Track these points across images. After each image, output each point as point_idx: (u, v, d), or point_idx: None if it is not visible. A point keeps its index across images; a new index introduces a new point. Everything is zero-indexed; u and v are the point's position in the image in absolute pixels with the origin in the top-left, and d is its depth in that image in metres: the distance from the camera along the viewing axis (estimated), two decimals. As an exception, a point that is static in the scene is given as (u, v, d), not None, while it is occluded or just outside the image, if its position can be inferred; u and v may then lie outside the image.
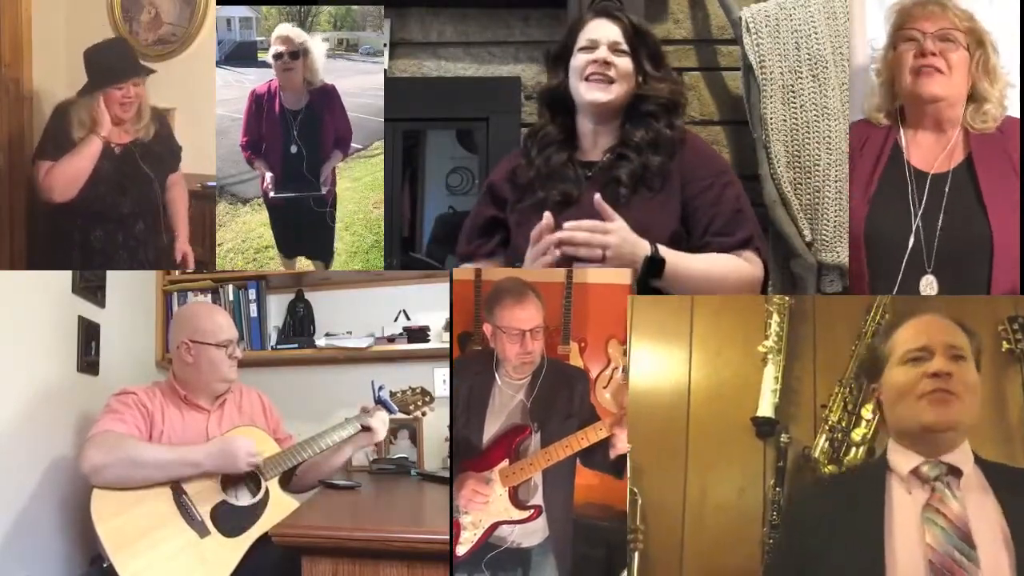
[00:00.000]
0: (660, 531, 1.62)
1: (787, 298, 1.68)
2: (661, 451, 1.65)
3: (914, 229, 1.80)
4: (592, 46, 1.84)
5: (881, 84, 1.95)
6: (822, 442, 1.61)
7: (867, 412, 1.59)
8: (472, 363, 1.83)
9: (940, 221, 1.79)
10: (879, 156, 1.90)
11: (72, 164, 2.16)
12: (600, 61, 1.82)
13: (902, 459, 1.32)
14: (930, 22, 1.83)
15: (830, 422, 1.60)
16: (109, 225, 2.22)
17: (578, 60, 1.86)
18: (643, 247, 1.70)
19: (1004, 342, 1.58)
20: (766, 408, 1.62)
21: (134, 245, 2.25)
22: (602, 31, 1.85)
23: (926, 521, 1.26)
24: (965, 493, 1.28)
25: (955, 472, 1.29)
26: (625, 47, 1.84)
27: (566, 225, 1.69)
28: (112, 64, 2.19)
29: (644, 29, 1.88)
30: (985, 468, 1.31)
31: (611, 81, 1.82)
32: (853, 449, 1.59)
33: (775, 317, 1.65)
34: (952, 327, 1.34)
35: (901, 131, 1.89)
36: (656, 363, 1.70)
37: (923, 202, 1.81)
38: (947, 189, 1.81)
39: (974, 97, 1.86)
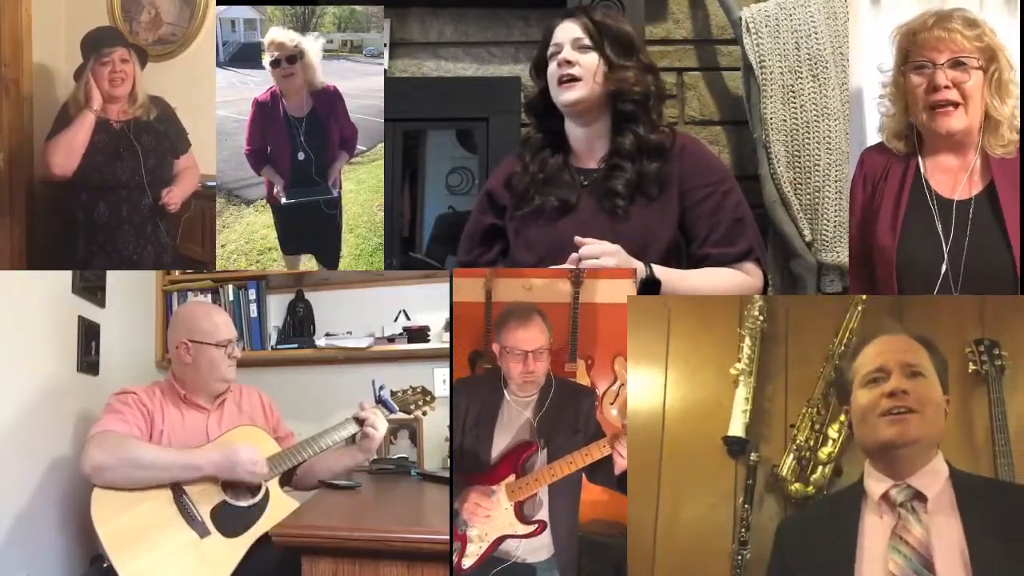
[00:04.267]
0: (634, 545, 1.65)
1: (760, 319, 1.68)
2: (636, 467, 1.67)
3: (945, 257, 1.76)
4: (557, 50, 1.86)
5: (895, 111, 1.86)
6: (790, 461, 1.63)
7: (833, 431, 1.61)
8: (482, 381, 1.86)
9: (965, 249, 1.75)
10: (903, 184, 1.83)
11: (66, 136, 2.23)
12: (563, 61, 1.83)
13: (875, 484, 1.33)
14: (939, 51, 1.75)
15: (797, 441, 1.63)
16: (111, 196, 2.25)
17: (551, 67, 1.87)
18: (639, 269, 1.72)
19: (971, 363, 1.59)
20: (736, 428, 1.65)
21: (139, 221, 2.27)
22: (563, 33, 1.87)
23: (891, 549, 1.27)
24: (932, 516, 1.28)
25: (921, 497, 1.30)
26: (588, 43, 1.84)
27: (585, 252, 1.71)
28: (99, 41, 2.26)
29: (607, 23, 1.87)
30: (957, 481, 1.31)
31: (576, 79, 1.82)
32: (820, 468, 1.61)
33: (747, 340, 1.67)
34: (911, 345, 1.35)
35: (920, 159, 1.82)
36: (633, 383, 1.72)
37: (951, 230, 1.76)
38: (971, 216, 1.76)
39: (988, 117, 1.78)
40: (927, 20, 1.78)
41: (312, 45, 2.34)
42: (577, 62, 1.83)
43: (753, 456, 1.63)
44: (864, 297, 1.67)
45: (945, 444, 1.35)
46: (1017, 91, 1.77)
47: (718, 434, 1.66)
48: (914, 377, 1.31)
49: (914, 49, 1.78)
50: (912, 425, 1.29)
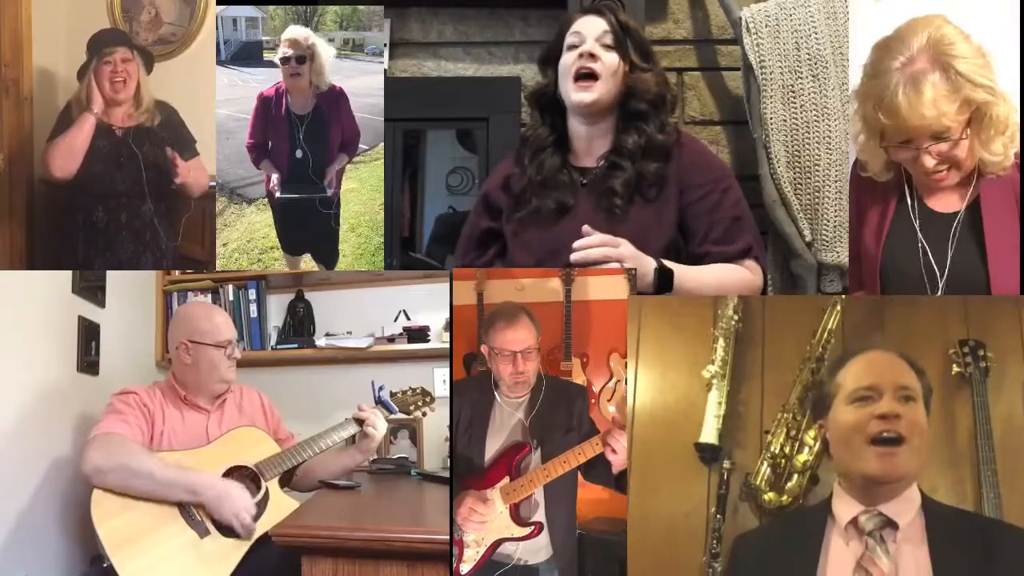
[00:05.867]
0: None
1: (735, 319, 1.62)
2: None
3: (926, 275, 1.70)
4: (579, 41, 1.83)
5: (871, 160, 1.70)
6: (764, 469, 1.56)
7: (810, 438, 1.54)
8: (474, 383, 1.85)
9: (949, 260, 1.67)
10: (891, 194, 1.74)
11: (66, 139, 2.22)
12: (586, 54, 1.81)
13: (844, 507, 1.28)
14: (919, 133, 1.56)
15: (772, 449, 1.56)
16: (110, 203, 2.24)
17: (566, 58, 1.85)
18: (649, 261, 1.71)
19: (955, 365, 1.55)
20: (709, 434, 1.58)
21: (139, 227, 2.26)
22: (588, 26, 1.85)
23: None
24: (901, 545, 1.24)
25: (893, 524, 1.25)
26: (611, 41, 1.83)
27: (577, 244, 1.69)
28: (103, 41, 2.25)
29: (631, 25, 1.87)
30: (929, 511, 1.27)
31: (596, 77, 1.80)
32: (796, 476, 1.54)
33: (720, 342, 1.61)
34: (902, 365, 1.29)
35: (908, 182, 1.72)
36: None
37: (933, 240, 1.69)
38: (956, 230, 1.68)
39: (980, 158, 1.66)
40: (894, 97, 1.54)
41: (324, 49, 2.35)
42: (600, 57, 1.81)
43: (726, 463, 1.56)
44: (843, 297, 1.62)
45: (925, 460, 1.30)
46: (1009, 120, 1.61)
47: (690, 440, 1.59)
48: (907, 402, 1.26)
49: (888, 129, 1.59)
50: (901, 460, 1.23)
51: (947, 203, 1.69)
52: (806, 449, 1.55)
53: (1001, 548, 1.24)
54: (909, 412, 1.25)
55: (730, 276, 1.79)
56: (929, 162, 1.59)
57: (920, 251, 1.70)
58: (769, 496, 1.55)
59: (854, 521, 1.27)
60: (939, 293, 1.67)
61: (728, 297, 1.65)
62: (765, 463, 1.57)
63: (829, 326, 1.59)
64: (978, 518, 1.41)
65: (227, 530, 1.94)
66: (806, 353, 1.58)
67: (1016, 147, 1.62)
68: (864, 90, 1.62)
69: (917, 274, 1.69)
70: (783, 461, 1.55)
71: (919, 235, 1.70)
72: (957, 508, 1.39)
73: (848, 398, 1.29)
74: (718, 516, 1.55)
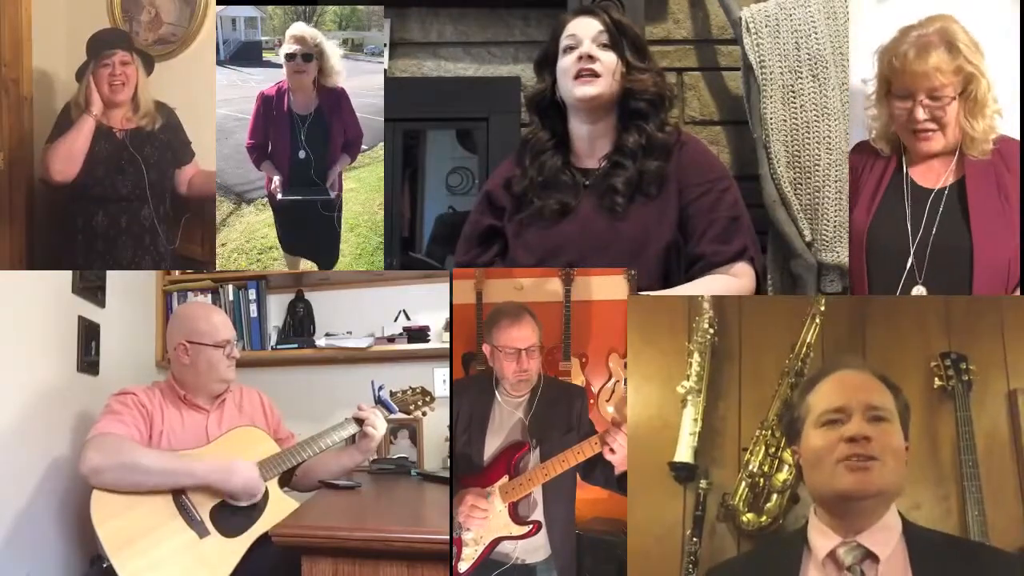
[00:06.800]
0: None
1: (710, 332, 1.57)
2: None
3: (912, 242, 1.87)
4: (575, 43, 1.84)
5: (880, 120, 1.98)
6: (742, 488, 1.51)
7: (789, 456, 1.48)
8: (473, 383, 1.86)
9: (933, 234, 1.87)
10: (885, 170, 1.97)
11: (66, 142, 2.20)
12: (585, 56, 1.82)
13: (821, 539, 1.23)
14: (918, 84, 1.86)
15: (750, 468, 1.51)
16: (110, 207, 2.23)
17: (564, 61, 1.86)
18: None
19: (937, 379, 1.53)
20: (684, 453, 1.53)
21: (138, 231, 2.26)
22: (583, 27, 1.85)
23: None
24: None
25: (874, 556, 1.19)
26: (607, 40, 1.84)
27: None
28: (103, 42, 2.24)
29: (625, 23, 1.88)
30: (911, 537, 1.21)
31: (596, 75, 1.81)
32: (775, 496, 1.49)
33: (695, 356, 1.56)
34: (873, 383, 1.25)
35: (904, 155, 1.96)
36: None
37: (923, 217, 1.89)
38: (942, 205, 1.88)
39: (965, 132, 1.91)
40: (907, 51, 1.86)
41: (333, 50, 2.34)
42: (598, 58, 1.82)
43: (703, 483, 1.51)
44: (823, 300, 1.59)
45: (904, 485, 1.25)
46: (995, 105, 1.88)
47: (664, 459, 1.54)
48: (877, 422, 1.21)
49: (895, 79, 1.89)
50: (874, 474, 1.18)
51: (934, 180, 1.92)
52: (785, 467, 1.50)
53: (988, 574, 1.20)
54: (880, 433, 1.20)
55: (722, 289, 1.76)
56: (921, 114, 1.87)
57: (907, 220, 1.89)
58: (748, 517, 1.50)
59: (832, 554, 1.21)
60: (924, 264, 1.84)
61: (703, 310, 1.62)
62: (743, 482, 1.52)
63: (808, 340, 1.56)
64: (963, 543, 1.37)
65: (227, 530, 1.94)
66: (785, 367, 1.55)
67: (995, 133, 1.89)
68: (885, 48, 1.94)
69: (904, 240, 1.88)
70: (762, 480, 1.51)
71: (907, 205, 1.90)
72: (941, 533, 1.34)
73: (817, 421, 1.24)
74: (694, 539, 1.49)
